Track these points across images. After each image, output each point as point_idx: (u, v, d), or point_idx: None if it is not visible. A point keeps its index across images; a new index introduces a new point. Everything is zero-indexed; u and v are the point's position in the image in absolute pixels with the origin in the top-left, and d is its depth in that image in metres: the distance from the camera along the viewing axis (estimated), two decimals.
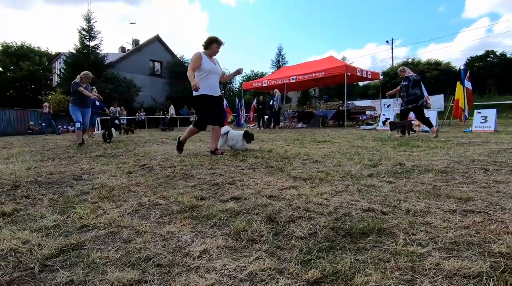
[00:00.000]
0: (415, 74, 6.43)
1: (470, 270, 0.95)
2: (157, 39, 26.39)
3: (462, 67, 13.12)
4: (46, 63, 30.90)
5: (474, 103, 10.37)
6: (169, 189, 2.21)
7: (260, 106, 13.53)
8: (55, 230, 1.45)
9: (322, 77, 12.20)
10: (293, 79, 12.90)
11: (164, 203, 1.85)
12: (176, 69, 25.38)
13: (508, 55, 24.26)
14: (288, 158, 3.52)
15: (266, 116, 13.17)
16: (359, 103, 17.69)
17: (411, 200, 1.73)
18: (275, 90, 12.39)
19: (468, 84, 9.62)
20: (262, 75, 28.64)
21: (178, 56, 27.21)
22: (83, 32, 20.17)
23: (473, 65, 24.67)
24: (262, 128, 12.66)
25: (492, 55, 25.33)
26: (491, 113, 7.46)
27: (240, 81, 29.17)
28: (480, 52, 26.17)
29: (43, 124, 14.82)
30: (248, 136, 4.34)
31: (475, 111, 7.98)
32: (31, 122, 17.08)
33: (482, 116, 7.59)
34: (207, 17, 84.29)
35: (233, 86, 29.56)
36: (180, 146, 4.17)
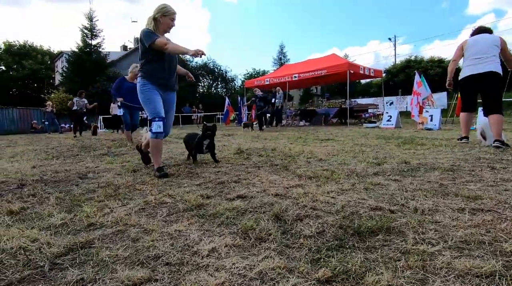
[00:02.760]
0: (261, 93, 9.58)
1: (483, 270, 0.94)
2: None
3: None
4: (49, 62, 31.02)
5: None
6: (175, 187, 2.21)
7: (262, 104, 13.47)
8: (63, 229, 1.46)
9: (324, 75, 12.15)
10: (295, 77, 12.86)
11: (170, 202, 1.85)
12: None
13: (511, 53, 24.04)
14: (292, 156, 3.51)
15: (268, 115, 13.15)
16: (362, 101, 17.63)
17: (418, 198, 1.72)
18: (277, 88, 12.36)
19: None
20: (264, 73, 28.60)
21: None
22: (85, 31, 20.22)
23: None
24: (264, 126, 12.65)
25: None
26: None
27: (242, 79, 29.15)
28: None
29: (46, 123, 14.87)
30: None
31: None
32: (34, 121, 17.17)
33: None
34: (208, 14, 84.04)
35: (235, 85, 29.54)
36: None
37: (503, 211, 1.46)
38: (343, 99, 13.45)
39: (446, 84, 4.28)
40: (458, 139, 4.36)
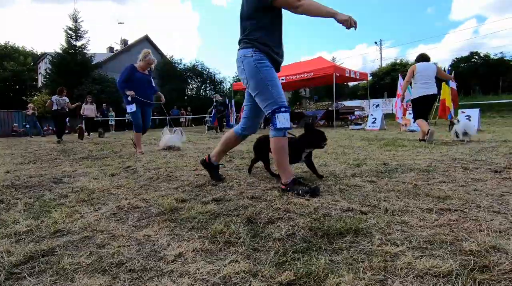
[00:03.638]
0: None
1: (441, 269, 0.96)
2: (146, 39, 26.12)
3: (447, 68, 13.42)
4: (31, 64, 30.18)
5: (459, 103, 10.60)
6: (151, 191, 2.17)
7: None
8: (27, 236, 1.40)
9: (311, 77, 12.27)
10: (283, 79, 12.93)
11: (144, 206, 1.81)
12: (166, 70, 25.15)
13: (491, 57, 24.96)
14: None
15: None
16: (348, 103, 17.89)
17: (390, 199, 1.74)
18: None
19: (453, 85, 9.84)
20: None
21: (168, 56, 26.98)
22: (70, 32, 19.81)
23: (458, 66, 25.26)
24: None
25: (476, 57, 25.99)
26: (475, 113, 7.64)
27: (231, 82, 29.10)
28: (466, 53, 26.83)
29: (27, 126, 14.44)
30: None
31: (460, 111, 8.16)
32: (15, 124, 16.64)
33: (466, 116, 7.77)
34: (198, 17, 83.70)
35: (224, 87, 29.47)
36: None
37: (469, 210, 1.50)
38: (330, 102, 13.62)
39: (400, 98, 5.94)
40: (420, 140, 4.99)
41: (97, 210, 1.77)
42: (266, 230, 1.37)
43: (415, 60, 5.28)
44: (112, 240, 1.33)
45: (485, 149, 3.67)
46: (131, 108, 4.50)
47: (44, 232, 1.45)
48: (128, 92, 4.37)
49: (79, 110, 10.84)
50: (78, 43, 20.12)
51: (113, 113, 17.71)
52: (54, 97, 8.37)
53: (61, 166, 3.58)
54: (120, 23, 37.03)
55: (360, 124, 11.00)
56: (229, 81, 30.18)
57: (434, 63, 5.21)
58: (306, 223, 1.42)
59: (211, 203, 1.80)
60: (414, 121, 5.46)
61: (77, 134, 9.88)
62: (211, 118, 16.96)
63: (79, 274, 1.04)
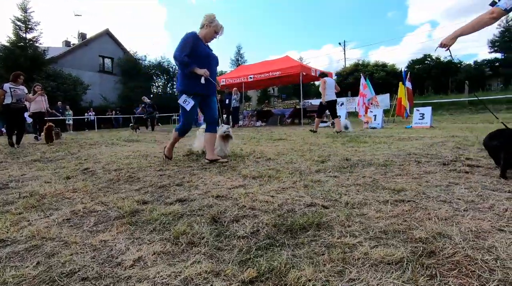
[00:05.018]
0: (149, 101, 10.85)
1: (393, 257, 1.02)
2: (107, 34, 24.65)
3: (404, 69, 14.37)
4: None
5: (414, 102, 11.41)
6: (110, 194, 2.06)
7: (218, 105, 13.37)
8: None
9: (278, 76, 12.44)
10: (250, 78, 12.97)
11: (102, 210, 1.71)
12: (129, 66, 23.98)
13: (442, 59, 27.17)
14: (242, 156, 3.51)
15: (224, 115, 13.08)
16: (315, 102, 18.42)
17: (351, 193, 1.82)
18: (234, 89, 12.34)
19: (408, 85, 10.56)
20: (221, 73, 28.39)
21: (131, 52, 25.72)
22: (18, 23, 18.06)
23: (413, 67, 27.19)
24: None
25: (429, 59, 28.14)
26: (427, 111, 8.27)
27: None
28: (420, 55, 28.91)
29: None
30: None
31: (415, 109, 8.79)
32: None
33: (420, 114, 8.38)
34: (165, 12, 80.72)
35: None
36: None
37: (420, 201, 1.62)
38: (298, 101, 13.93)
39: (323, 103, 7.23)
40: (337, 132, 6.67)
41: (48, 216, 1.64)
42: (230, 229, 1.36)
43: (322, 75, 7.61)
44: (64, 248, 1.24)
45: (436, 144, 3.99)
46: (188, 102, 3.07)
47: None
48: (198, 71, 2.95)
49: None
50: (29, 36, 18.40)
51: (70, 112, 16.53)
52: (6, 86, 5.98)
53: (8, 169, 3.25)
54: (77, 15, 34.41)
55: (325, 122, 11.38)
56: None
57: (333, 79, 7.62)
58: (270, 219, 1.43)
59: (174, 204, 1.75)
60: (333, 118, 7.41)
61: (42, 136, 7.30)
62: (179, 117, 16.53)
63: None
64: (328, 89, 7.07)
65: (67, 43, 26.67)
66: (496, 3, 2.05)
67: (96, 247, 1.23)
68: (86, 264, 1.09)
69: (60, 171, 3.04)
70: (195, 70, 2.97)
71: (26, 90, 6.40)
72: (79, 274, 1.03)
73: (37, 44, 18.80)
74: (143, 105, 11.68)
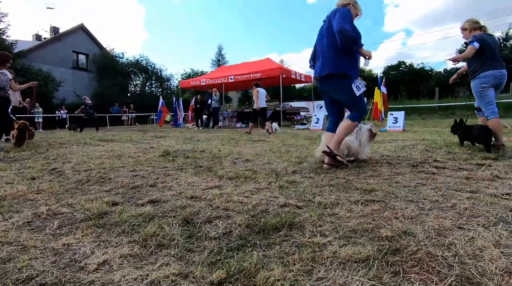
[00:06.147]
0: (90, 102, 10.60)
1: (360, 255, 1.04)
2: (82, 29, 23.65)
3: (380, 75, 14.93)
4: None
5: (388, 106, 11.87)
6: (78, 195, 1.96)
7: (198, 106, 13.23)
8: None
9: (259, 78, 12.49)
10: (231, 79, 12.93)
11: (67, 212, 1.62)
12: (105, 63, 23.12)
13: (415, 66, 28.52)
14: (220, 157, 3.49)
15: (204, 116, 12.95)
16: (295, 104, 18.66)
17: (324, 193, 1.85)
18: (214, 89, 12.25)
19: (384, 90, 10.98)
20: (202, 73, 28.09)
21: (108, 49, 24.82)
22: None
23: (388, 73, 28.31)
24: (201, 128, 12.41)
25: (403, 65, 29.45)
26: (401, 115, 8.62)
27: (179, 79, 28.11)
28: (395, 62, 30.16)
29: None
30: None
31: (389, 113, 9.14)
32: None
33: (394, 118, 8.72)
34: (143, 11, 78.57)
35: (171, 85, 28.28)
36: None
37: (389, 201, 1.67)
38: (278, 102, 14.05)
39: (257, 109, 8.04)
40: (270, 133, 7.44)
41: (6, 219, 1.53)
42: (202, 230, 1.34)
43: (256, 85, 8.25)
44: (22, 253, 1.16)
45: (407, 146, 4.16)
46: (361, 87, 2.74)
47: None
48: (364, 50, 2.69)
49: (34, 94, 7.18)
50: None
51: (40, 110, 15.69)
52: None
53: None
54: (50, 8, 32.62)
55: (305, 124, 11.57)
56: (176, 79, 29.09)
57: (264, 89, 8.47)
58: (243, 220, 1.42)
59: (146, 205, 1.70)
60: (265, 122, 7.88)
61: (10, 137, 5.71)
62: (156, 117, 16.21)
63: None
64: (261, 98, 8.04)
65: (38, 37, 25.32)
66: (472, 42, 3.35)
67: (57, 251, 1.17)
68: (46, 269, 1.03)
69: (25, 171, 2.87)
70: (361, 49, 2.68)
71: (10, 76, 4.85)
72: (36, 280, 0.97)
73: (4, 37, 17.71)
74: (83, 106, 11.81)
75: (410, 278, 0.92)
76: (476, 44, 3.35)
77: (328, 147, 2.63)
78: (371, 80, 26.08)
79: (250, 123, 8.46)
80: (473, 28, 3.60)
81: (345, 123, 2.75)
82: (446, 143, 4.30)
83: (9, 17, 23.38)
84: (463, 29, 3.72)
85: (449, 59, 2.95)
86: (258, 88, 8.01)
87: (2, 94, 4.69)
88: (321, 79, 2.82)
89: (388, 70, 29.89)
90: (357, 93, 2.69)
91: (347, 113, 2.88)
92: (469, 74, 3.64)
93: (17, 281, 0.97)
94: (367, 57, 2.69)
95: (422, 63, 31.97)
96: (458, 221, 1.34)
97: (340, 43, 2.56)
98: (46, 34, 24.98)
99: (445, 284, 0.88)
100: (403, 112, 8.68)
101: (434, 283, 0.89)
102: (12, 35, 18.41)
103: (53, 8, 30.13)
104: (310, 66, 3.15)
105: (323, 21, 2.85)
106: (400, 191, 1.87)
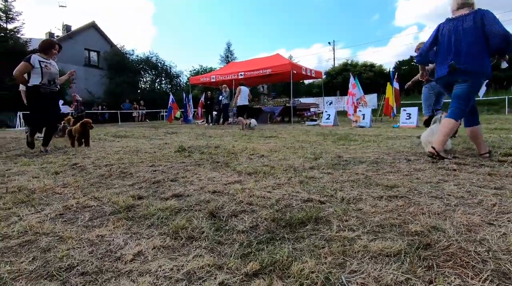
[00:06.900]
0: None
1: (391, 249, 1.05)
2: (93, 26, 23.96)
3: (391, 70, 14.66)
4: None
5: (401, 102, 11.68)
6: (103, 189, 2.02)
7: (208, 102, 13.28)
8: None
9: (269, 74, 12.45)
10: (241, 75, 12.92)
11: (96, 205, 1.68)
12: (115, 60, 23.41)
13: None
14: (235, 153, 3.51)
15: (214, 112, 13.00)
16: (304, 100, 18.57)
17: (345, 189, 1.86)
18: (224, 85, 12.27)
19: (396, 85, 10.80)
20: (211, 70, 28.14)
21: (118, 46, 25.09)
22: None
23: (400, 68, 27.77)
24: (211, 124, 12.47)
25: (415, 61, 28.79)
26: (414, 111, 8.49)
27: (188, 75, 28.23)
28: (407, 57, 29.56)
29: None
30: None
31: (402, 109, 9.00)
32: None
33: (407, 114, 8.59)
34: (152, 6, 78.94)
35: (181, 81, 28.45)
36: None
37: (413, 196, 1.67)
38: (288, 99, 13.98)
39: (234, 106, 9.16)
40: (241, 130, 7.88)
41: (39, 212, 1.59)
42: (229, 223, 1.37)
43: (240, 85, 9.21)
44: (60, 243, 1.21)
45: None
46: (485, 88, 2.94)
47: None
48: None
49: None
50: (10, 26, 17.70)
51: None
52: (35, 58, 3.88)
53: None
54: (62, 6, 33.13)
55: (315, 120, 11.49)
56: (186, 75, 29.23)
57: (248, 88, 9.50)
58: (268, 214, 1.44)
59: (170, 199, 1.74)
60: (237, 117, 8.80)
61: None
62: (166, 113, 16.38)
63: (20, 282, 0.93)
64: (242, 96, 8.80)
65: (50, 35, 25.74)
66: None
67: (93, 242, 1.21)
68: (85, 259, 1.07)
69: (48, 166, 2.96)
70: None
71: (57, 67, 4.26)
72: (78, 269, 1.01)
73: (18, 35, 18.11)
74: (75, 103, 11.72)
75: (445, 272, 0.92)
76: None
77: (433, 148, 2.76)
78: (380, 75, 25.68)
79: (239, 118, 9.14)
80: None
81: (450, 123, 2.80)
82: (464, 139, 4.22)
83: (23, 15, 23.80)
84: (418, 49, 4.59)
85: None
86: (241, 87, 8.81)
87: (53, 88, 4.09)
88: (455, 73, 2.80)
89: (400, 65, 29.34)
90: (482, 93, 3.05)
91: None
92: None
93: (60, 269, 1.01)
94: (506, 60, 2.79)
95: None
96: (487, 217, 1.33)
97: (499, 45, 2.61)
98: (59, 32, 25.40)
99: (480, 278, 0.88)
100: (416, 108, 8.54)
101: (469, 277, 0.89)
102: (26, 33, 18.79)
103: (65, 6, 30.49)
104: (420, 55, 3.18)
105: (452, 19, 2.86)
106: (422, 187, 1.86)
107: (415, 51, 4.95)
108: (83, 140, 4.58)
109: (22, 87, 5.57)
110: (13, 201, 1.76)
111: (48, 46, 4.07)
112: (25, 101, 5.31)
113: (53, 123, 4.32)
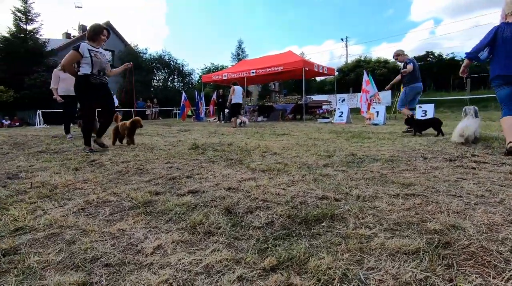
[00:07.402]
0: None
1: (410, 247, 1.04)
2: (108, 26, 24.46)
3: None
4: None
5: None
6: (121, 185, 2.08)
7: (220, 100, 13.36)
8: None
9: (281, 71, 12.40)
10: (253, 73, 12.92)
11: (115, 200, 1.73)
12: (129, 59, 23.85)
13: (444, 56, 27.05)
14: (248, 150, 3.53)
15: (226, 110, 13.06)
16: (316, 97, 18.39)
17: (361, 186, 1.84)
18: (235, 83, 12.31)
19: None
20: (222, 68, 28.27)
21: (132, 45, 25.56)
22: (18, 14, 17.93)
23: None
24: (223, 122, 12.55)
25: (431, 56, 27.98)
26: (430, 108, 8.28)
27: (200, 74, 28.47)
28: (423, 52, 28.74)
29: None
30: None
31: (417, 106, 8.78)
32: None
33: (422, 111, 8.39)
34: (165, 5, 79.80)
35: (193, 79, 28.71)
36: None
37: (430, 195, 1.64)
38: (299, 96, 13.90)
39: (228, 105, 9.39)
40: (234, 127, 8.11)
41: (62, 206, 1.66)
42: (245, 219, 1.38)
43: (233, 84, 9.32)
44: (83, 236, 1.26)
45: (440, 140, 4.01)
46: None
47: (2, 230, 1.33)
48: None
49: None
50: (29, 27, 18.29)
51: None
52: (84, 46, 3.56)
53: (15, 160, 3.27)
54: (78, 7, 34.02)
55: (327, 118, 11.39)
56: (198, 74, 29.47)
57: (241, 87, 9.58)
58: (284, 211, 1.45)
59: (187, 195, 1.77)
60: (231, 117, 9.10)
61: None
62: (179, 111, 16.56)
63: (49, 272, 0.98)
64: (236, 95, 9.15)
65: (67, 35, 26.49)
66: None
67: (114, 235, 1.26)
68: (108, 251, 1.11)
69: (67, 162, 3.06)
70: None
71: (107, 56, 3.78)
72: (101, 261, 1.05)
73: (37, 36, 18.70)
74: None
75: (465, 271, 0.91)
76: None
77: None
78: (394, 72, 25.08)
79: (233, 118, 9.31)
80: (403, 54, 6.09)
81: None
82: (483, 136, 4.09)
83: (41, 16, 24.54)
84: (397, 55, 6.10)
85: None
86: (235, 87, 9.12)
87: (103, 79, 3.73)
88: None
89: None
90: None
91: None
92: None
93: (85, 260, 1.05)
94: None
95: (452, 53, 30.23)
96: (509, 216, 1.29)
97: None
98: (75, 32, 26.10)
99: (503, 278, 0.87)
100: (432, 105, 8.34)
101: (491, 276, 0.88)
102: (44, 34, 19.38)
103: (81, 7, 31.29)
104: (474, 52, 3.34)
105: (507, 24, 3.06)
106: (440, 185, 1.82)
107: (393, 58, 6.31)
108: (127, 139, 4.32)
109: (53, 85, 5.61)
110: (38, 195, 1.84)
111: (97, 32, 3.64)
112: (58, 98, 5.46)
113: (111, 113, 3.93)
